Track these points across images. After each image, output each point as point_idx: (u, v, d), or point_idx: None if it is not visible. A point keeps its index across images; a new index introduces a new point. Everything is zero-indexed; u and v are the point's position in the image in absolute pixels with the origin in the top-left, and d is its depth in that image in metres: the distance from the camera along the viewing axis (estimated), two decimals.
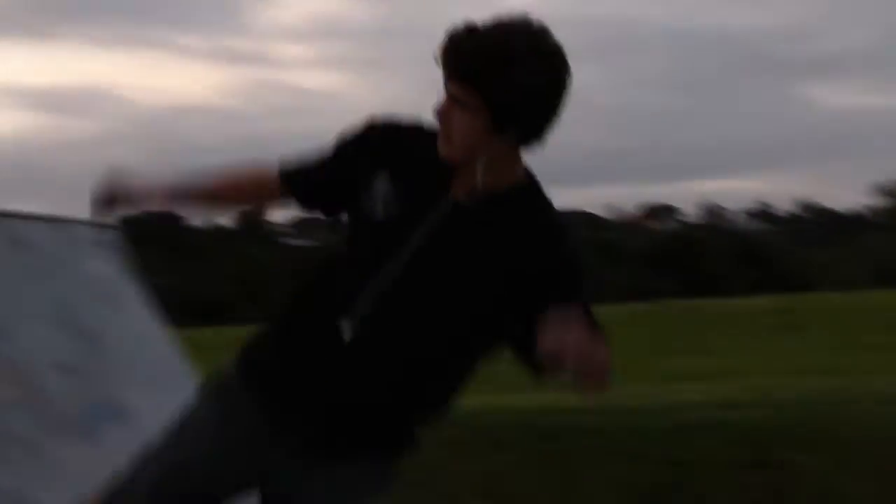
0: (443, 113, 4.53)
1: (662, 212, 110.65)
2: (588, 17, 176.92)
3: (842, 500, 12.11)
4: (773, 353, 24.63)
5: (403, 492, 11.07)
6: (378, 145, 4.77)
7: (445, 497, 12.14)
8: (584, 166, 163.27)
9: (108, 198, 5.09)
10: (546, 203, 4.79)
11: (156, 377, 10.18)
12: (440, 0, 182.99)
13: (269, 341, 4.91)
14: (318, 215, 5.07)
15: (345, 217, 4.86)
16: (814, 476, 12.48)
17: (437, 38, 4.45)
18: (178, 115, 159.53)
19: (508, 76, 4.42)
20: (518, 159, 4.68)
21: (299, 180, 4.94)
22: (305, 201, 5.02)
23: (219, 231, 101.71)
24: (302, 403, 4.74)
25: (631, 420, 14.27)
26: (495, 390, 18.17)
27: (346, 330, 4.57)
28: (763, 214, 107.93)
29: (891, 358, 21.50)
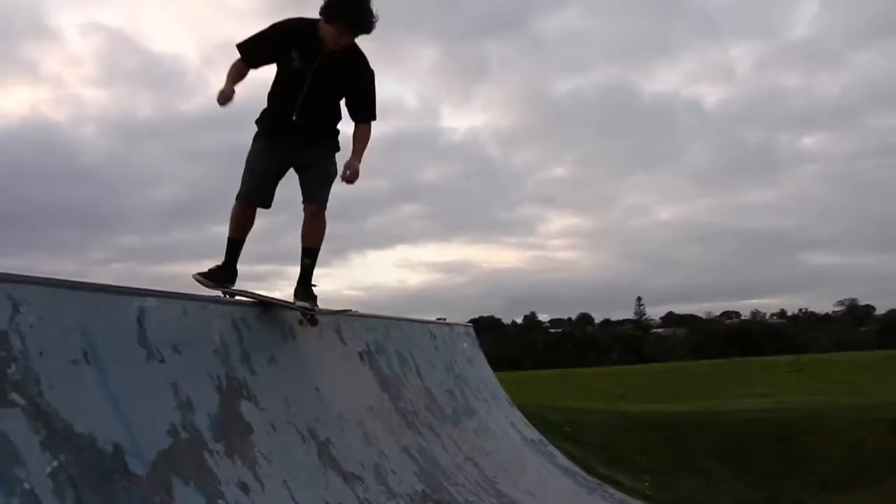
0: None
1: (732, 314, 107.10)
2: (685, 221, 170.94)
3: (826, 457, 11.53)
4: (788, 384, 23.55)
5: (601, 453, 11.03)
6: (291, 32, 5.81)
7: (620, 453, 11.97)
8: (692, 292, 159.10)
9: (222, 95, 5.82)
10: (362, 55, 5.99)
11: (487, 395, 10.35)
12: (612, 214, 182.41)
13: (273, 118, 6.03)
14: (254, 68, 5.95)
15: (276, 65, 5.92)
16: (810, 445, 11.98)
17: None
18: (501, 273, 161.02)
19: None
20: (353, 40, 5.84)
21: (253, 54, 5.91)
22: (252, 63, 5.92)
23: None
24: (294, 134, 5.93)
25: (714, 417, 13.86)
26: (647, 402, 17.84)
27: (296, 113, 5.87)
28: (781, 314, 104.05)
29: (854, 388, 20.16)
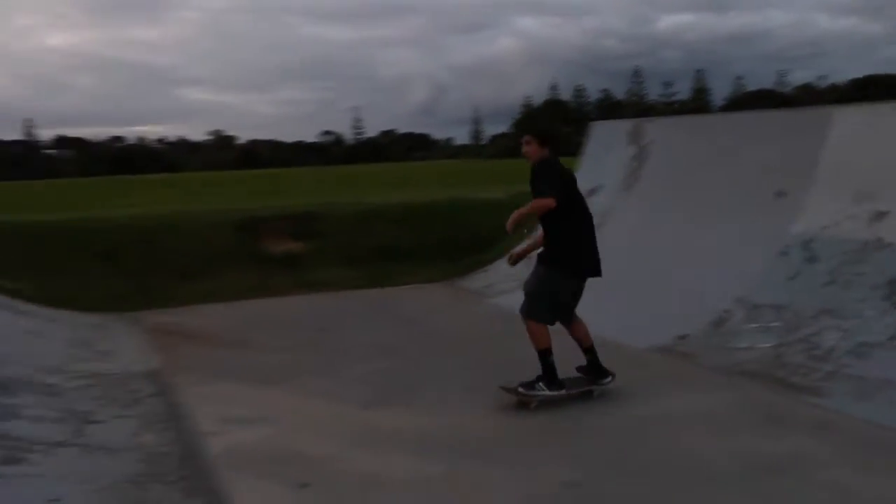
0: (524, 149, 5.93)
1: (120, 139, 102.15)
2: None
3: (185, 253, 11.84)
4: (161, 197, 23.41)
5: None
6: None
7: (1, 260, 10.91)
8: (83, 117, 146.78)
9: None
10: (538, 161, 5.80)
11: None
12: None
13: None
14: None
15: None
16: (171, 244, 12.16)
17: None
18: None
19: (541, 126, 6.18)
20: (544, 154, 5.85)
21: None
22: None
23: None
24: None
25: (93, 223, 13.22)
26: (28, 213, 16.40)
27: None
28: (162, 140, 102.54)
29: (211, 199, 20.74)
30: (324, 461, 4.87)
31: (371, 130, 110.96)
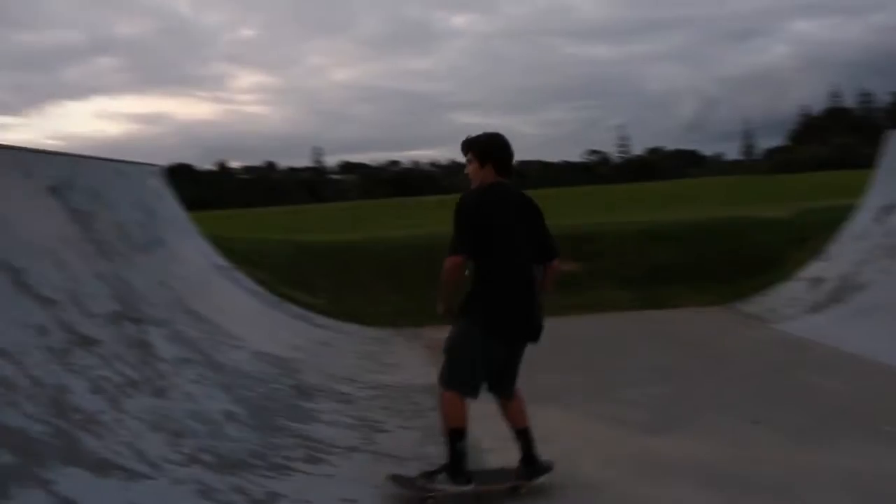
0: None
1: (396, 163, 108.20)
2: None
3: None
4: (437, 217, 24.46)
5: (284, 277, 10.68)
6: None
7: (301, 277, 11.97)
8: (363, 144, 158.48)
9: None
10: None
11: (177, 228, 9.80)
12: None
13: None
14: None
15: None
16: None
17: None
18: (195, 125, 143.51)
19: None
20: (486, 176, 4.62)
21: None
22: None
23: None
24: None
25: (376, 244, 14.20)
26: (323, 233, 17.84)
27: None
28: (435, 163, 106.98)
29: None
30: (602, 486, 4.80)
31: (637, 147, 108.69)
